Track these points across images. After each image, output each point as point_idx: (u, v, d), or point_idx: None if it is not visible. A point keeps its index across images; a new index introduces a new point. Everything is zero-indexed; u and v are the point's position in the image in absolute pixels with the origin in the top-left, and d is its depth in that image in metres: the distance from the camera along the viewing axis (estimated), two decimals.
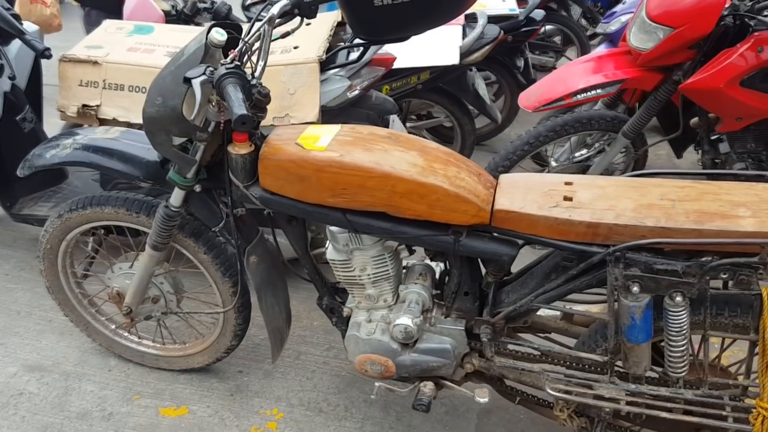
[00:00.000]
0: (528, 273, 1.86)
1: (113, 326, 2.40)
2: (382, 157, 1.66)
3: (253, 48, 1.72)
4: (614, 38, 4.63)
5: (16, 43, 2.76)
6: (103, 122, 2.50)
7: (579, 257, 1.66)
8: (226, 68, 1.52)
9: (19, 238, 3.23)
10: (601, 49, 4.68)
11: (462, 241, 1.70)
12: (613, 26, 4.66)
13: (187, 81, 1.55)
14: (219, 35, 1.59)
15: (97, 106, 2.49)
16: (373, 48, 2.46)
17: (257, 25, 1.73)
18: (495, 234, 1.70)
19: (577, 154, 3.28)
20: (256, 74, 1.68)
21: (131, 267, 2.12)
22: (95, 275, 2.42)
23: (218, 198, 1.88)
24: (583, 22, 6.87)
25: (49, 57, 2.47)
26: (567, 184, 1.71)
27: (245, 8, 4.23)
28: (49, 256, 2.18)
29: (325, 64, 2.37)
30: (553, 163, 3.30)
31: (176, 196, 1.87)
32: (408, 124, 3.83)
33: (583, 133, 3.07)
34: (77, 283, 2.31)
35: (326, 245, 1.90)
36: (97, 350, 2.49)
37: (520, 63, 4.14)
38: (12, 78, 2.67)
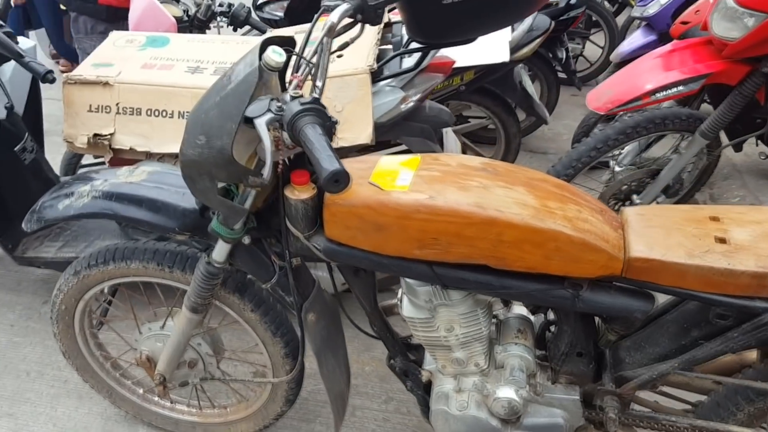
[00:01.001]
0: (654, 325, 1.51)
1: (141, 390, 2.06)
2: (483, 197, 1.31)
3: (311, 65, 1.37)
4: (653, 22, 4.27)
5: (10, 63, 2.41)
6: (117, 152, 2.15)
7: (738, 314, 1.32)
8: (302, 104, 1.18)
9: (24, 279, 2.87)
10: (641, 36, 4.33)
11: (583, 295, 1.35)
12: (651, 9, 4.29)
13: (250, 121, 1.21)
14: (277, 56, 1.24)
15: (111, 134, 2.13)
16: (432, 52, 2.11)
17: (314, 35, 1.38)
18: (625, 285, 1.36)
19: (644, 155, 2.93)
20: (318, 97, 1.34)
21: (163, 327, 1.78)
22: (119, 334, 2.07)
23: (269, 248, 1.54)
24: (607, 5, 6.50)
25: (52, 81, 2.12)
26: (713, 220, 1.36)
27: (257, 8, 3.86)
28: (65, 318, 1.84)
29: (374, 74, 2.02)
30: (617, 168, 2.95)
31: (221, 251, 1.52)
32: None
33: (656, 134, 2.72)
34: (98, 344, 1.97)
35: (399, 297, 1.56)
36: (122, 417, 2.15)
37: (562, 54, 3.78)
38: (9, 108, 2.32)
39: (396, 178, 1.37)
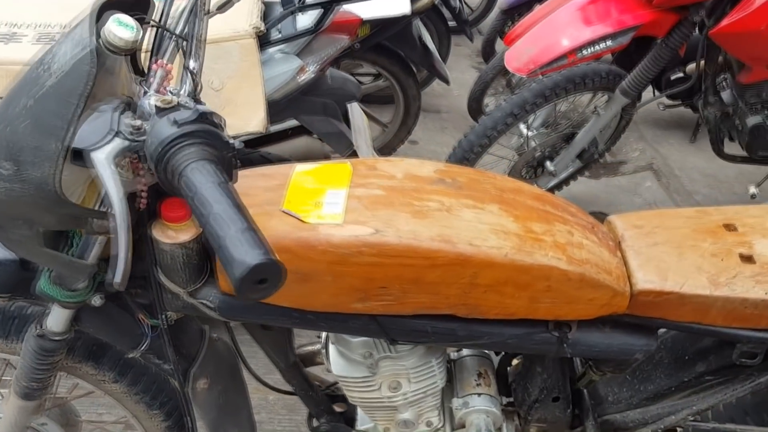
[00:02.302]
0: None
1: None
2: (449, 225, 0.92)
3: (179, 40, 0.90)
4: None
5: None
6: None
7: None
8: (177, 122, 0.71)
9: None
10: None
11: (572, 338, 1.03)
12: None
13: (79, 156, 0.72)
14: (124, 30, 0.75)
15: None
16: (334, 8, 1.65)
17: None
18: (625, 320, 1.04)
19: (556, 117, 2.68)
20: (194, 90, 0.88)
21: None
22: None
23: (133, 302, 1.05)
24: None
25: None
26: (729, 229, 1.07)
27: None
28: None
29: (261, 38, 1.54)
30: (529, 133, 2.67)
31: (58, 318, 1.02)
32: None
33: (575, 95, 2.45)
34: None
35: (323, 343, 1.16)
36: None
37: (455, 2, 3.40)
38: None
39: (321, 202, 0.94)
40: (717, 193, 3.10)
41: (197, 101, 0.87)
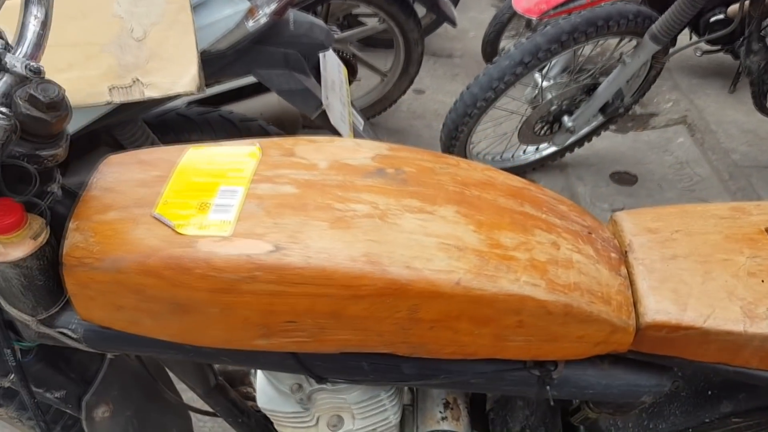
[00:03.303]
0: None
1: None
2: (380, 238, 0.66)
3: None
4: None
5: None
6: None
7: None
8: None
9: None
10: None
11: (556, 378, 0.78)
12: None
13: None
14: None
15: None
16: None
17: None
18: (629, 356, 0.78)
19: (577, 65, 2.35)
20: (24, 45, 0.63)
21: None
22: None
23: None
24: None
25: None
26: (765, 233, 0.79)
27: None
28: None
29: None
30: (545, 83, 2.34)
31: None
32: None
33: (596, 40, 2.12)
34: None
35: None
36: None
37: None
38: None
39: (209, 203, 0.69)
40: (757, 152, 2.75)
41: (34, 71, 0.61)
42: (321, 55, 1.56)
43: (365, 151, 0.77)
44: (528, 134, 2.39)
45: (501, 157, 2.60)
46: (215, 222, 0.66)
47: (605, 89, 2.24)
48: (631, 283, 0.75)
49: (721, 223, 0.80)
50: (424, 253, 0.66)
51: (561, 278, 0.69)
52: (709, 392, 0.89)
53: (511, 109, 2.38)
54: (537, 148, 2.61)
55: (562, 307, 0.68)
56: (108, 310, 0.69)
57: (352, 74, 2.68)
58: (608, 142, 2.86)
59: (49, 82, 0.61)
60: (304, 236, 0.65)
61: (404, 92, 2.88)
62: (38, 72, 0.61)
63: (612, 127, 2.78)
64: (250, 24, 1.32)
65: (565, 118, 2.34)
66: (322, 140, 0.79)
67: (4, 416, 1.01)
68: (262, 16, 1.34)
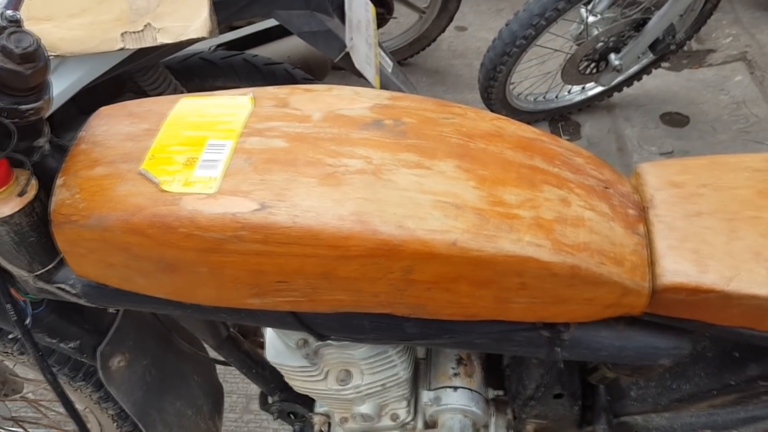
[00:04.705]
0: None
1: None
2: (371, 196, 0.63)
3: None
4: None
5: None
6: None
7: None
8: None
9: None
10: None
11: (568, 339, 0.74)
12: None
13: None
14: None
15: None
16: None
17: None
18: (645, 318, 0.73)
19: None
20: None
21: None
22: None
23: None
24: None
25: None
26: None
27: None
28: None
29: None
30: (591, 18, 2.20)
31: None
32: None
33: None
34: None
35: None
36: None
37: None
38: None
39: (196, 159, 0.66)
40: None
41: (11, 20, 0.59)
42: None
43: (364, 101, 0.72)
44: (572, 73, 2.27)
45: (545, 97, 2.49)
46: (201, 178, 0.64)
47: (655, 25, 2.09)
48: (650, 241, 0.70)
49: (755, 176, 0.73)
50: (419, 211, 0.62)
51: (569, 237, 0.65)
52: (736, 354, 0.84)
53: (555, 46, 2.25)
54: (582, 88, 2.48)
55: (568, 268, 0.64)
56: (100, 267, 0.69)
57: (388, 12, 2.58)
58: (660, 80, 2.69)
59: (24, 31, 0.58)
60: (292, 194, 0.62)
61: (444, 30, 2.77)
62: (15, 21, 0.58)
63: (664, 64, 2.61)
64: None
65: (612, 56, 2.21)
66: (320, 89, 0.74)
67: (28, 364, 1.04)
68: None
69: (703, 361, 0.87)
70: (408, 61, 2.89)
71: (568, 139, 2.54)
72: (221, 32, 1.93)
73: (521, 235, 0.63)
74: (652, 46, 2.19)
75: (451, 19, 2.71)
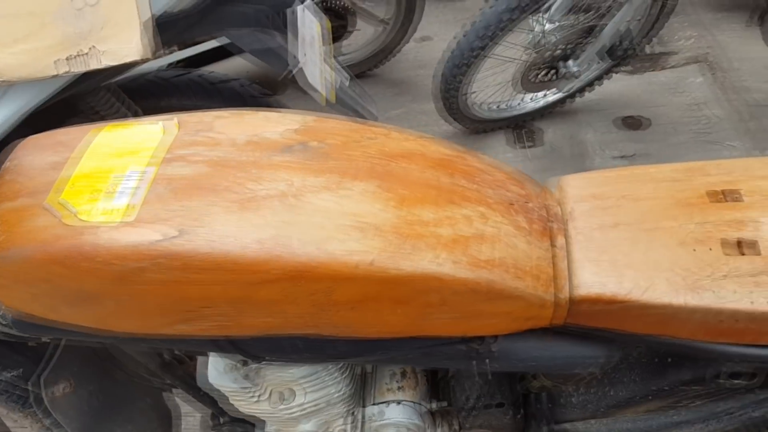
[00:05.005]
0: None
1: None
2: (290, 219, 0.64)
3: None
4: None
5: None
6: None
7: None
8: None
9: None
10: None
11: (494, 350, 0.75)
12: None
13: None
14: None
15: None
16: None
17: None
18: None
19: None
20: None
21: None
22: None
23: None
24: None
25: None
26: (729, 197, 0.73)
27: None
28: None
29: None
30: (548, 26, 2.23)
31: None
32: None
33: None
34: None
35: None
36: None
37: None
38: None
39: (115, 187, 0.66)
40: None
41: None
42: (289, 11, 1.50)
43: (289, 124, 0.73)
44: (532, 81, 2.30)
45: (506, 105, 2.52)
46: (120, 207, 0.64)
47: (611, 30, 2.12)
48: (568, 253, 0.71)
49: (673, 186, 0.75)
50: (338, 233, 0.63)
51: (485, 254, 0.66)
52: (669, 359, 0.86)
53: (512, 56, 2.28)
54: (543, 95, 2.51)
55: (484, 284, 0.65)
56: (26, 298, 0.69)
57: (350, 24, 2.60)
58: (621, 84, 2.73)
59: None
60: (211, 219, 0.63)
61: (408, 40, 2.79)
62: None
63: (626, 68, 2.64)
64: None
65: (570, 63, 2.24)
66: (246, 112, 0.75)
67: None
68: None
69: (639, 367, 0.89)
70: (373, 72, 2.91)
71: (530, 146, 2.58)
72: (180, 50, 1.94)
73: (439, 253, 0.65)
74: (610, 51, 2.23)
75: (414, 30, 2.73)
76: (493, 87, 2.42)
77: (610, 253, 0.70)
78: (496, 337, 0.74)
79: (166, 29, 1.26)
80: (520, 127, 2.60)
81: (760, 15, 2.91)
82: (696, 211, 0.71)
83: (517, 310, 0.68)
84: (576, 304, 0.69)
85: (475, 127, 2.50)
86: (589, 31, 2.18)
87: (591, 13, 2.17)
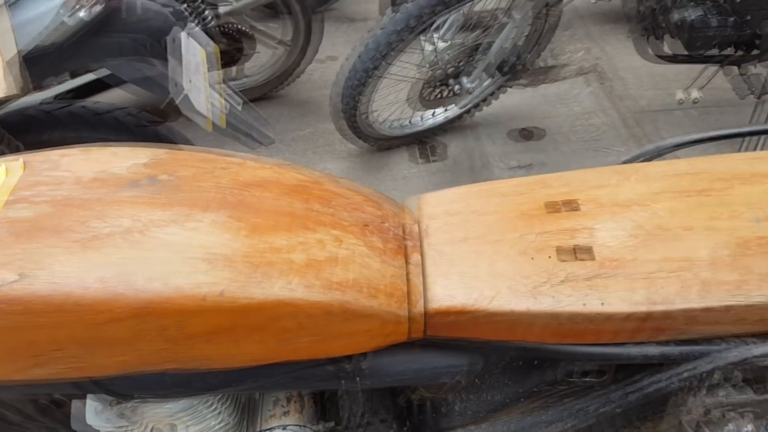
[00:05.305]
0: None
1: None
2: (135, 256, 0.64)
3: None
4: None
5: None
6: None
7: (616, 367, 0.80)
8: None
9: None
10: None
11: (366, 369, 0.77)
12: None
13: None
14: None
15: None
16: None
17: None
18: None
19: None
20: None
21: None
22: None
23: None
24: None
25: None
26: (568, 206, 0.78)
27: None
28: None
29: None
30: (441, 44, 2.30)
31: None
32: (223, 8, 2.60)
33: None
34: None
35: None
36: None
37: None
38: None
39: None
40: (664, 95, 2.77)
41: None
42: (169, 38, 1.49)
43: (137, 158, 0.73)
44: (429, 98, 2.37)
45: (410, 121, 2.58)
46: None
47: (496, 48, 2.22)
48: (423, 269, 0.74)
49: (516, 199, 0.80)
50: (185, 266, 0.64)
51: (338, 276, 0.68)
52: (535, 362, 0.90)
53: (407, 74, 2.34)
54: (444, 110, 2.58)
55: (338, 305, 0.67)
56: None
57: (249, 47, 2.61)
58: (518, 97, 2.84)
59: None
60: (52, 261, 0.62)
61: (310, 61, 2.81)
62: None
63: (521, 81, 2.76)
64: (67, 18, 1.24)
65: (465, 79, 2.32)
66: (94, 148, 0.75)
67: None
68: (94, 5, 1.27)
69: (510, 371, 0.93)
70: (278, 93, 2.91)
71: (435, 161, 2.65)
72: (62, 83, 1.89)
73: (291, 278, 0.66)
74: (500, 67, 2.32)
75: (315, 51, 2.76)
76: (393, 105, 2.47)
77: (459, 266, 0.73)
78: (365, 354, 0.76)
79: (37, 63, 1.23)
80: (424, 143, 2.66)
81: (642, 28, 3.10)
82: (536, 222, 0.76)
83: (374, 327, 0.70)
84: (431, 317, 0.72)
85: (380, 144, 2.54)
86: (480, 49, 2.27)
87: (479, 31, 2.26)
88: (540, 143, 2.63)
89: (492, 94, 2.52)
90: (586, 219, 0.76)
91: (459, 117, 2.56)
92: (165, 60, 1.46)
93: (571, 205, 0.77)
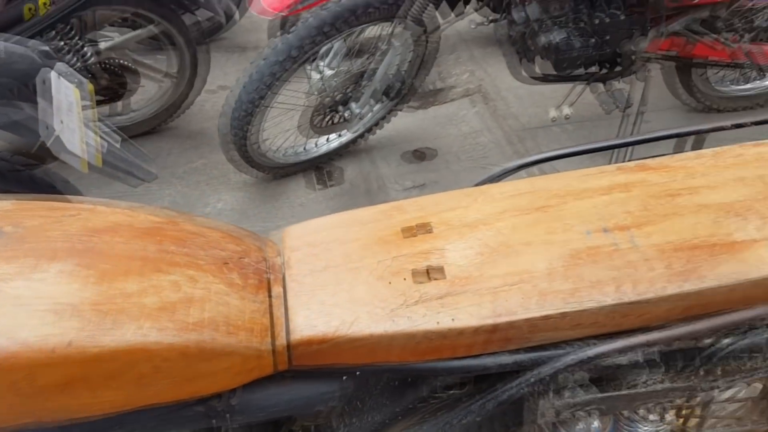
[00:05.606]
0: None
1: None
2: None
3: None
4: None
5: None
6: None
7: (469, 382, 0.85)
8: None
9: None
10: None
11: (237, 405, 0.78)
12: None
13: None
14: None
15: None
16: None
17: None
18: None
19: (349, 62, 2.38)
20: None
21: None
22: None
23: None
24: None
25: None
26: (422, 229, 0.82)
27: None
28: None
29: None
30: (327, 71, 2.35)
31: None
32: (104, 44, 2.55)
33: (359, 28, 2.16)
34: None
35: None
36: None
37: None
38: None
39: None
40: (542, 112, 2.93)
41: None
42: (39, 79, 1.45)
43: None
44: (321, 125, 2.40)
45: (304, 148, 2.60)
46: None
47: (381, 74, 2.29)
48: (285, 301, 0.76)
49: (375, 226, 0.83)
50: (31, 319, 0.63)
51: (194, 316, 0.69)
52: (409, 380, 0.94)
53: (296, 103, 2.37)
54: (338, 136, 2.63)
55: (194, 346, 0.68)
56: None
57: (133, 82, 2.56)
58: (410, 119, 2.93)
59: None
60: None
61: (199, 92, 2.80)
62: None
63: (412, 104, 2.85)
64: None
65: (353, 105, 2.37)
66: None
67: None
68: None
69: (388, 391, 0.96)
70: (168, 126, 2.87)
71: (332, 185, 2.68)
72: None
73: (143, 323, 0.66)
74: (386, 92, 2.40)
75: (203, 82, 2.75)
76: (286, 133, 2.49)
77: (320, 295, 0.76)
78: (234, 390, 0.77)
79: None
80: (321, 168, 2.70)
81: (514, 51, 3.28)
82: (392, 247, 0.80)
83: (236, 364, 0.71)
84: (295, 348, 0.73)
85: (275, 172, 2.55)
86: (365, 76, 2.33)
87: (364, 58, 2.32)
88: (432, 163, 2.72)
89: (383, 117, 2.58)
90: (438, 241, 0.80)
91: (353, 141, 2.61)
92: (33, 102, 1.42)
93: (425, 228, 0.82)
